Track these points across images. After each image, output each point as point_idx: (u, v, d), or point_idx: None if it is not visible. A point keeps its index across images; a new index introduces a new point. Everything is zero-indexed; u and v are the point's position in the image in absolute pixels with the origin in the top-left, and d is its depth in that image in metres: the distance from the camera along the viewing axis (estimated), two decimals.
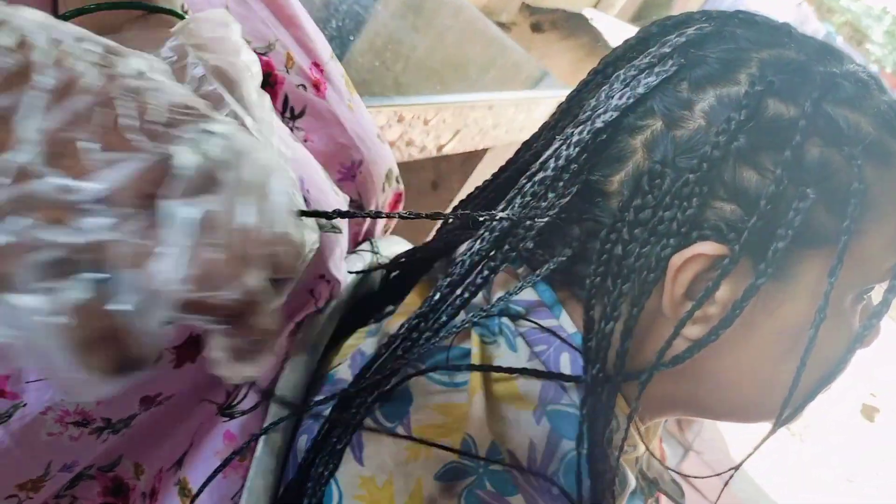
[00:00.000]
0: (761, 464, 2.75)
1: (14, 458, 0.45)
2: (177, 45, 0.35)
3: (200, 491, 0.46)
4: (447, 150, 1.22)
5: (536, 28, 2.00)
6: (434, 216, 0.39)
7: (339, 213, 0.35)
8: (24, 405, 0.43)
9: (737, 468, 0.46)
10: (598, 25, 2.25)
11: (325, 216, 0.34)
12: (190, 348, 0.47)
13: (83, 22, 0.38)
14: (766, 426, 0.47)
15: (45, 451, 0.46)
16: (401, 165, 1.11)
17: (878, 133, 0.42)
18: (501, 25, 1.84)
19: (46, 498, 0.51)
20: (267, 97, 0.36)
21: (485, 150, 1.30)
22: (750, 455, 0.46)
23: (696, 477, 0.50)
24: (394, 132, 1.01)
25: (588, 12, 2.31)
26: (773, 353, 0.45)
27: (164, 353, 0.46)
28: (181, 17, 0.41)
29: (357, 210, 0.63)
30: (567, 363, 0.48)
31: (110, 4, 0.38)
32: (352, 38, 1.09)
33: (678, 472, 0.55)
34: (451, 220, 0.59)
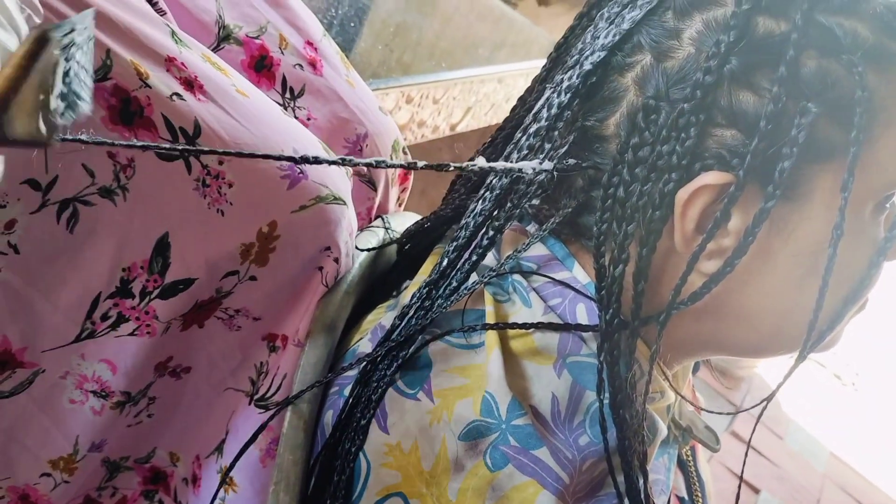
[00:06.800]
0: (815, 415, 2.69)
1: (41, 425, 0.47)
2: None
3: (230, 469, 0.47)
4: (461, 129, 1.21)
5: (543, 1, 1.98)
6: (427, 167, 0.38)
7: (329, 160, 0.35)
8: (44, 371, 0.46)
9: (769, 399, 0.45)
10: None
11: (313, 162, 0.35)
12: (197, 312, 0.49)
13: None
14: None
15: (70, 421, 0.48)
16: (415, 148, 1.10)
17: (876, 37, 0.40)
18: (508, 2, 1.82)
19: (88, 490, 0.53)
20: None
21: None
22: (781, 385, 0.44)
23: (722, 413, 0.49)
24: (403, 115, 1.01)
25: None
26: (794, 279, 0.44)
27: (172, 321, 0.48)
28: None
29: (368, 183, 0.63)
30: (584, 314, 0.47)
31: None
32: (354, 24, 1.09)
33: (710, 411, 0.54)
34: (456, 186, 0.59)
